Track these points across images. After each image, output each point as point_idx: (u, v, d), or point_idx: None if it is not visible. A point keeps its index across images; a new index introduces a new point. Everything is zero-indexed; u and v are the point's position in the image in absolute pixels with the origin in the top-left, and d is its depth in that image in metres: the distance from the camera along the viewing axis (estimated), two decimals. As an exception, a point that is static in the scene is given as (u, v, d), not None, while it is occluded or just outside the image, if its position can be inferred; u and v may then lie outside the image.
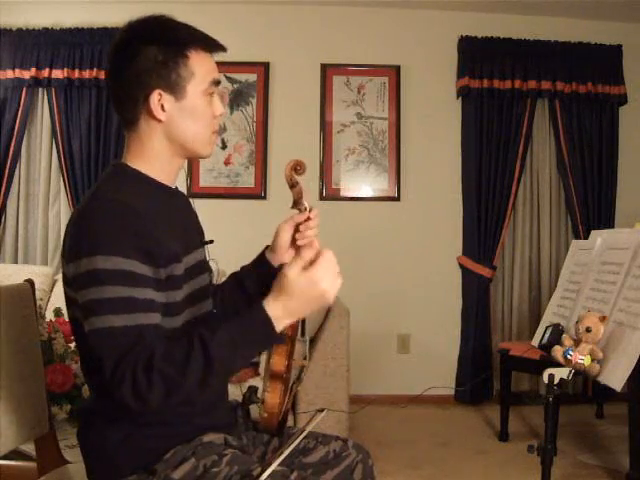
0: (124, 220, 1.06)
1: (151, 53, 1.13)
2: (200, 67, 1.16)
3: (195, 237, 1.28)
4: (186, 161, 1.28)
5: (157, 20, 1.18)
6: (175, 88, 1.14)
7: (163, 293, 1.10)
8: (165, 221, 1.15)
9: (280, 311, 1.03)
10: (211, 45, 1.19)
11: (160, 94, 1.14)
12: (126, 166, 1.19)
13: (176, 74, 1.14)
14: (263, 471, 1.06)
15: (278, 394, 1.20)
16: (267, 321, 1.03)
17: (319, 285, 1.03)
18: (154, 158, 1.19)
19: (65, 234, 1.14)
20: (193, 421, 1.18)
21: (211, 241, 1.33)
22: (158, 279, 1.08)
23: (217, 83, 1.20)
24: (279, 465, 1.11)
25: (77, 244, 1.07)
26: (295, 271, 1.04)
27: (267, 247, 1.38)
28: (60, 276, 3.50)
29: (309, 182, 3.85)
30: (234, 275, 1.42)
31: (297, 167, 1.34)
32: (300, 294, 1.04)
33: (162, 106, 1.14)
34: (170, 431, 1.15)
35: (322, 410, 1.26)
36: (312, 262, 1.05)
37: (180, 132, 1.17)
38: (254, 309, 1.04)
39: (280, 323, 1.04)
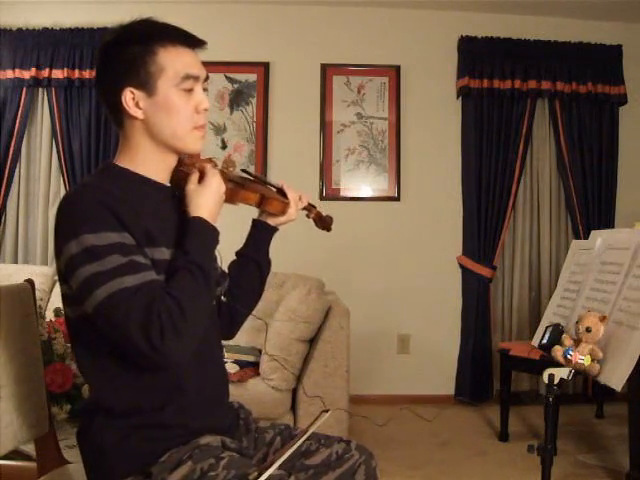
0: (102, 199, 1.09)
1: (122, 53, 1.16)
2: (172, 62, 1.16)
3: None
4: None
5: (132, 23, 1.20)
6: (145, 85, 1.16)
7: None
8: (148, 213, 1.15)
9: (204, 214, 1.19)
10: (186, 40, 1.19)
11: (132, 92, 1.15)
12: (114, 165, 1.21)
13: (144, 71, 1.15)
14: (260, 474, 1.06)
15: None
16: (207, 223, 1.19)
17: (211, 188, 1.21)
18: (140, 156, 1.20)
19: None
20: (190, 424, 1.17)
21: None
22: (145, 251, 1.12)
23: (195, 78, 1.19)
24: (277, 469, 1.10)
25: (62, 231, 1.10)
26: (192, 186, 1.22)
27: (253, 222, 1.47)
28: (60, 276, 3.50)
29: (309, 182, 3.85)
30: (237, 259, 1.46)
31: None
32: (203, 197, 1.20)
33: (137, 104, 1.16)
34: (167, 434, 1.15)
35: (327, 411, 1.25)
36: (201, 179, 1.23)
37: (158, 128, 1.18)
38: (191, 221, 1.18)
39: (211, 219, 1.20)
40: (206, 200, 1.20)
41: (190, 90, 1.18)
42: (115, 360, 1.13)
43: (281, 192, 1.45)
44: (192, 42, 1.20)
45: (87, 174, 3.73)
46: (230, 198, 1.31)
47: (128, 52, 1.15)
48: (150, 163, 1.21)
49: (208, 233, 1.20)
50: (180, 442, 1.14)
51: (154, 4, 3.72)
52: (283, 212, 1.42)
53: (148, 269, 1.09)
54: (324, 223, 1.55)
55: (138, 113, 1.16)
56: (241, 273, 1.44)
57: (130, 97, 1.15)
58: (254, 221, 1.46)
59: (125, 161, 1.21)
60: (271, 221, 1.44)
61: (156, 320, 1.04)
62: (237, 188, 1.34)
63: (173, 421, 1.16)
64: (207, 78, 1.23)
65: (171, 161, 1.24)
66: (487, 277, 3.86)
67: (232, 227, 1.41)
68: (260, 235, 1.45)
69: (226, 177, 1.31)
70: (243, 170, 1.43)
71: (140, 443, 1.13)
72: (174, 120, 1.18)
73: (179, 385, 1.16)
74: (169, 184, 1.26)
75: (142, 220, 1.12)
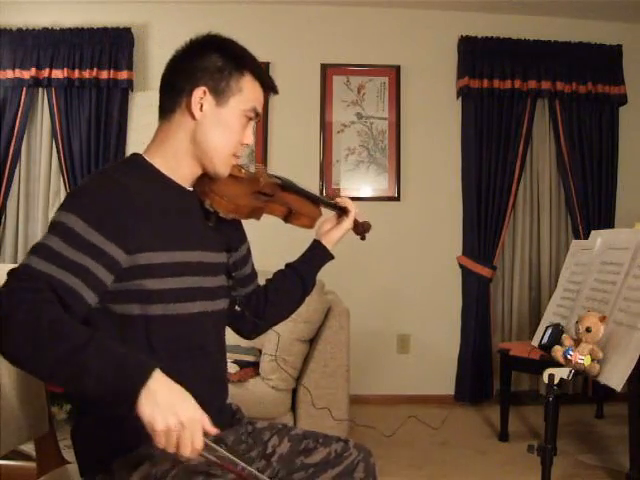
0: (106, 193, 1.11)
1: (213, 58, 1.22)
2: (249, 90, 1.24)
3: (207, 239, 1.27)
4: None
5: (231, 39, 1.27)
6: (220, 94, 1.21)
7: (111, 275, 1.08)
8: (158, 212, 1.16)
9: (158, 385, 0.95)
10: (266, 82, 1.29)
11: (205, 92, 1.20)
12: (141, 157, 1.24)
13: (226, 83, 1.21)
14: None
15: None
16: (146, 371, 0.95)
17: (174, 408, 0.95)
18: (172, 154, 1.22)
19: None
20: None
21: (229, 249, 1.33)
22: (114, 259, 1.08)
23: (257, 115, 1.26)
24: (267, 475, 1.09)
25: (64, 199, 1.13)
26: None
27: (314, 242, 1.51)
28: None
29: (309, 182, 3.85)
30: (286, 270, 1.50)
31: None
32: (169, 398, 0.95)
33: (201, 106, 1.20)
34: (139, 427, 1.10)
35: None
36: None
37: (206, 137, 1.21)
38: (146, 360, 0.98)
39: (150, 387, 0.94)
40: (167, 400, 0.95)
41: (248, 121, 1.25)
42: None
43: (314, 200, 1.46)
44: (269, 86, 1.31)
45: (86, 173, 3.74)
46: (255, 213, 1.30)
47: (220, 60, 1.21)
48: (177, 163, 1.23)
49: (125, 375, 0.95)
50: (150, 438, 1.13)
51: (154, 4, 3.73)
52: (311, 226, 1.44)
53: (69, 270, 1.03)
54: (361, 228, 1.58)
55: (197, 113, 1.20)
56: (284, 284, 1.48)
57: (200, 96, 1.20)
58: (315, 242, 1.51)
59: (155, 155, 1.23)
60: (329, 238, 1.51)
61: (17, 302, 0.96)
62: (265, 203, 1.33)
63: None
64: (259, 116, 1.29)
65: (196, 171, 1.26)
66: (487, 277, 3.86)
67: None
68: (316, 258, 1.50)
69: (257, 189, 1.31)
70: (276, 176, 1.41)
71: (119, 437, 1.13)
72: (226, 137, 1.23)
73: None
74: (192, 189, 1.27)
75: (146, 223, 1.12)
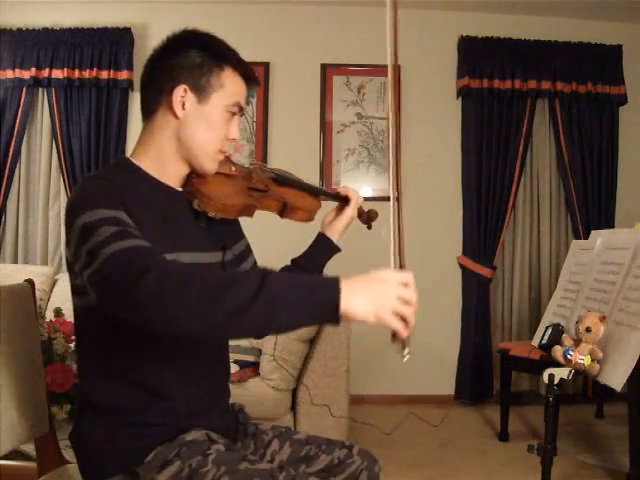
0: (107, 186, 1.09)
1: (192, 55, 1.19)
2: (231, 84, 1.22)
3: (199, 240, 1.24)
4: None
5: (209, 34, 1.24)
6: (201, 91, 1.19)
7: None
8: (147, 215, 1.13)
9: (351, 287, 0.98)
10: (247, 74, 1.26)
11: (185, 90, 1.18)
12: (127, 160, 1.21)
13: (206, 79, 1.19)
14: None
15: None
16: (336, 287, 0.96)
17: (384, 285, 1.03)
18: (158, 155, 1.20)
19: None
20: (178, 425, 1.15)
21: (224, 247, 1.31)
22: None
23: (241, 109, 1.24)
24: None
25: (68, 216, 1.07)
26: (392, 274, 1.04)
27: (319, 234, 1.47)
28: (60, 276, 3.50)
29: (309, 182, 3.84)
30: (291, 266, 1.45)
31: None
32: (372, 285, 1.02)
33: (183, 104, 1.18)
34: (152, 431, 1.13)
35: None
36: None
37: (190, 135, 1.19)
38: (329, 276, 0.99)
39: (346, 298, 0.97)
40: (371, 290, 1.01)
41: (232, 116, 1.23)
42: (105, 351, 1.13)
43: (313, 192, 1.44)
44: (250, 79, 1.27)
45: (86, 173, 3.74)
46: (246, 211, 1.28)
47: (199, 56, 1.19)
48: (163, 164, 1.21)
49: (326, 297, 0.97)
50: (165, 439, 1.12)
51: (154, 4, 3.72)
52: (309, 220, 1.42)
53: (143, 239, 1.03)
54: (367, 217, 1.54)
55: (180, 112, 1.18)
56: None
57: (181, 94, 1.18)
58: (319, 235, 1.48)
59: (141, 157, 1.21)
60: (332, 229, 1.47)
61: (157, 266, 0.95)
62: (258, 199, 1.31)
63: (157, 421, 1.14)
64: (243, 110, 1.27)
65: (183, 169, 1.24)
66: (487, 277, 3.86)
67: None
68: (320, 252, 1.46)
69: (249, 186, 1.29)
70: (271, 170, 1.40)
71: (125, 441, 1.12)
72: (210, 134, 1.20)
73: (156, 391, 1.14)
74: (180, 189, 1.25)
75: (140, 214, 1.10)
